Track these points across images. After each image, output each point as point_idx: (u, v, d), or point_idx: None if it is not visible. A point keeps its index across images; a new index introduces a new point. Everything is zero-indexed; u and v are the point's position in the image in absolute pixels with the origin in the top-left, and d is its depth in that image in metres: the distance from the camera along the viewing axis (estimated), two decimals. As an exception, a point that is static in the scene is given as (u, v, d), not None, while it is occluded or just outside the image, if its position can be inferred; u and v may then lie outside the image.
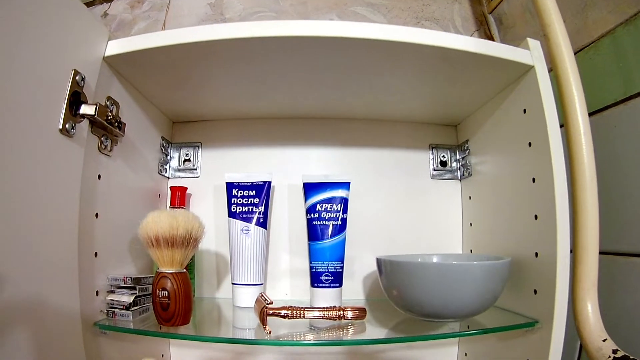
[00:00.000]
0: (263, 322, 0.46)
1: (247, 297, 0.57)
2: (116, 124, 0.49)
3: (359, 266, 0.63)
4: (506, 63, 0.48)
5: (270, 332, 0.45)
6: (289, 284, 0.63)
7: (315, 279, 0.57)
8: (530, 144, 0.49)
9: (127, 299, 0.49)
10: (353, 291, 0.63)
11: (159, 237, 0.45)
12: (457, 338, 0.64)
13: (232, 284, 0.58)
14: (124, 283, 0.49)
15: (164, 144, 0.64)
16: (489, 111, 0.58)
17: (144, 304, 0.51)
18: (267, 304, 0.46)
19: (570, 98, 0.45)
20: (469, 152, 0.64)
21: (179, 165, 0.66)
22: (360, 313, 0.49)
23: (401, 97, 0.59)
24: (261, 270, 0.58)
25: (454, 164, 0.67)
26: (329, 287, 0.57)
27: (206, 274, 0.64)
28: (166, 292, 0.45)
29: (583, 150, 0.43)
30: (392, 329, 0.52)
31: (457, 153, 0.67)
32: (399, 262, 0.48)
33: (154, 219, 0.46)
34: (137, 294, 0.50)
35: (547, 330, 0.45)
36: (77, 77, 0.42)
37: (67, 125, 0.41)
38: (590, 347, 0.41)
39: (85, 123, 0.44)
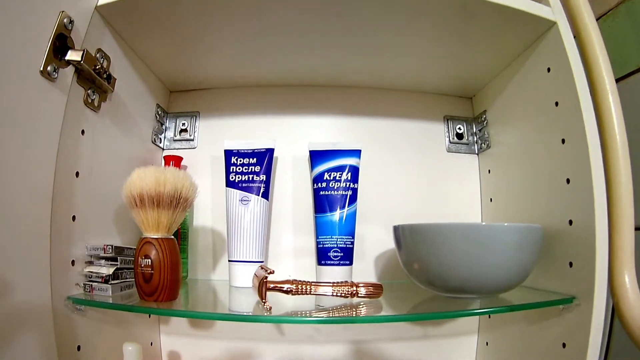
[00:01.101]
0: (262, 296, 0.37)
1: (245, 276, 0.48)
2: (104, 75, 0.42)
3: (370, 245, 0.55)
4: (527, 17, 0.41)
5: (270, 309, 0.36)
6: (293, 263, 0.55)
7: (323, 256, 0.49)
8: (557, 104, 0.42)
9: (107, 270, 0.40)
10: (364, 272, 0.54)
11: (143, 194, 0.37)
12: (477, 326, 0.56)
13: (229, 261, 0.49)
14: (104, 252, 0.41)
15: (160, 112, 0.57)
16: (508, 77, 0.51)
17: (127, 278, 0.43)
18: (268, 273, 0.38)
19: (595, 59, 0.39)
20: (486, 123, 0.57)
21: (175, 136, 0.58)
22: (376, 290, 0.41)
23: (415, 62, 0.52)
24: (261, 246, 0.50)
25: (471, 138, 0.59)
26: (338, 264, 0.48)
27: (201, 254, 0.55)
28: (149, 261, 0.37)
29: (612, 112, 0.37)
30: (412, 309, 0.43)
31: (474, 126, 0.59)
32: (421, 226, 0.40)
33: (139, 175, 0.38)
34: (118, 266, 0.41)
35: (587, 307, 0.37)
36: (65, 20, 0.36)
37: (49, 68, 0.34)
38: (631, 322, 0.33)
39: (70, 71, 0.38)
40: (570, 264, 0.40)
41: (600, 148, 0.38)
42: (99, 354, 0.42)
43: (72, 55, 0.37)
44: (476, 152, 0.59)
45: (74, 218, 0.39)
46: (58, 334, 0.36)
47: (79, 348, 0.39)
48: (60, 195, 0.37)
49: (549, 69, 0.43)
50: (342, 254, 0.48)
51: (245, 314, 0.38)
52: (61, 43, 0.36)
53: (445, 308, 0.41)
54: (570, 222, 0.40)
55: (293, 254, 0.55)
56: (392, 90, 0.59)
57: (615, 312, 0.37)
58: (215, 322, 0.54)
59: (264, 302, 0.37)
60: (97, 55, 0.41)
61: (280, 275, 0.54)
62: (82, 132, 0.40)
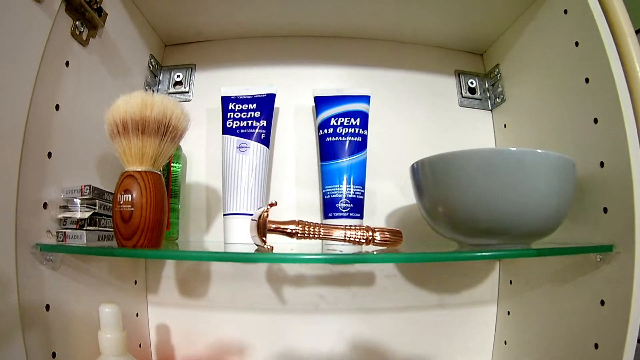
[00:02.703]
0: (261, 234, 0.29)
1: (242, 230, 0.40)
2: (95, 6, 0.35)
3: (381, 201, 0.47)
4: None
5: (271, 249, 0.28)
6: (296, 218, 0.46)
7: (330, 207, 0.41)
8: (577, 44, 0.37)
9: (82, 215, 0.32)
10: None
11: (126, 119, 0.30)
12: (497, 294, 0.48)
13: (224, 215, 0.41)
14: (82, 194, 0.32)
15: (153, 64, 0.49)
16: (521, 27, 0.45)
17: (106, 227, 0.34)
18: (270, 205, 0.30)
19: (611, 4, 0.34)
20: (500, 77, 0.50)
21: (169, 89, 0.51)
22: (393, 236, 0.33)
23: (425, 12, 0.46)
24: (261, 198, 0.41)
25: (483, 94, 0.52)
26: (348, 216, 0.40)
27: (193, 212, 0.47)
28: (129, 197, 0.29)
29: (632, 53, 0.33)
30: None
31: (486, 82, 0.53)
32: (444, 156, 0.32)
33: (124, 98, 0.31)
34: (96, 211, 0.33)
35: (628, 257, 0.30)
36: None
37: None
38: None
39: None
40: (605, 210, 0.33)
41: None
42: (72, 316, 0.33)
43: None
44: (490, 108, 0.52)
45: (49, 155, 0.32)
46: (22, 288, 0.28)
47: (47, 307, 0.31)
48: (35, 128, 0.30)
49: (565, 11, 0.38)
50: (351, 205, 0.41)
51: (241, 252, 0.30)
52: None
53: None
54: (602, 164, 0.33)
55: (296, 208, 0.46)
56: (400, 42, 0.52)
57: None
58: (208, 291, 0.46)
59: (264, 242, 0.29)
60: None
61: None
62: (67, 63, 0.34)
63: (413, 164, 0.35)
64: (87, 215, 0.32)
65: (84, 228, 0.32)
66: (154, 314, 0.46)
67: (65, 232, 0.32)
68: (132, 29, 0.44)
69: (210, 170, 0.48)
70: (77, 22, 0.34)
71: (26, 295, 0.28)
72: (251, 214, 0.40)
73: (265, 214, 0.29)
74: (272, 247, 0.28)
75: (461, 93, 0.52)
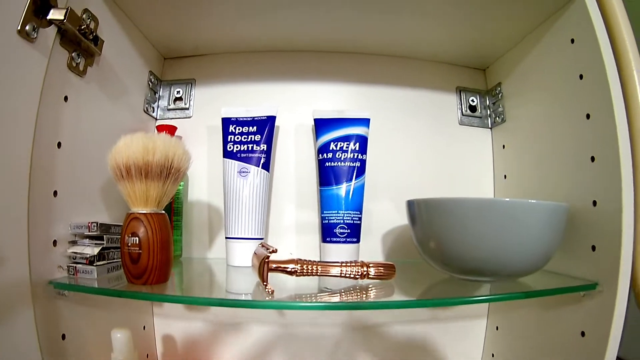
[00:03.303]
0: (263, 277, 0.30)
1: (243, 255, 0.41)
2: (91, 36, 0.34)
3: (378, 220, 0.47)
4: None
5: (272, 292, 0.29)
6: (295, 240, 0.47)
7: (328, 232, 0.41)
8: (581, 77, 0.36)
9: (91, 251, 0.33)
10: (371, 250, 0.47)
11: (129, 164, 0.30)
12: (487, 309, 0.49)
13: (226, 238, 0.42)
14: (89, 231, 0.33)
15: (152, 80, 0.48)
16: (526, 48, 0.44)
17: (114, 258, 0.35)
18: (270, 252, 0.30)
19: (619, 33, 0.34)
20: (501, 96, 0.49)
21: (169, 105, 0.50)
22: (387, 271, 0.34)
23: (428, 28, 0.44)
24: (262, 222, 0.42)
25: (484, 111, 0.51)
26: (345, 242, 0.41)
27: (196, 230, 0.48)
28: (137, 239, 0.30)
29: (638, 88, 0.32)
30: (426, 292, 0.36)
31: (488, 99, 0.52)
32: (439, 201, 0.32)
33: (126, 142, 0.30)
34: (104, 245, 0.34)
35: (610, 294, 0.31)
36: None
37: (27, 27, 0.28)
38: None
39: (52, 31, 0.31)
40: (593, 248, 0.34)
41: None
42: (86, 342, 0.35)
43: (55, 14, 0.30)
44: (489, 126, 0.51)
45: (55, 193, 0.32)
46: (40, 323, 0.29)
47: (63, 337, 0.32)
48: (40, 168, 0.30)
49: (572, 40, 0.37)
50: (348, 230, 0.41)
51: (244, 299, 0.31)
52: (43, 1, 0.30)
53: (458, 292, 0.35)
54: (595, 203, 0.34)
55: (295, 230, 0.47)
56: (403, 57, 0.51)
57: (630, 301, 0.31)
58: (215, 292, 0.47)
59: (265, 285, 0.29)
60: (84, 15, 0.34)
61: (282, 253, 0.47)
62: (65, 98, 0.33)
63: (409, 201, 0.35)
64: (96, 251, 0.33)
65: (94, 264, 0.33)
66: (160, 326, 0.47)
67: (75, 267, 0.33)
68: (129, 48, 0.43)
69: (212, 187, 0.48)
70: (73, 54, 0.34)
71: (43, 328, 0.30)
72: (252, 238, 0.41)
73: (266, 260, 0.30)
74: (273, 291, 0.29)
75: (462, 111, 0.51)
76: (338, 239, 0.41)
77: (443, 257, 0.33)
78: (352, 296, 0.32)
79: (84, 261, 0.33)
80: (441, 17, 0.42)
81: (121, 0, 0.39)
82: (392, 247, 0.47)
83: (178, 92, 0.50)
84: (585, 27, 0.35)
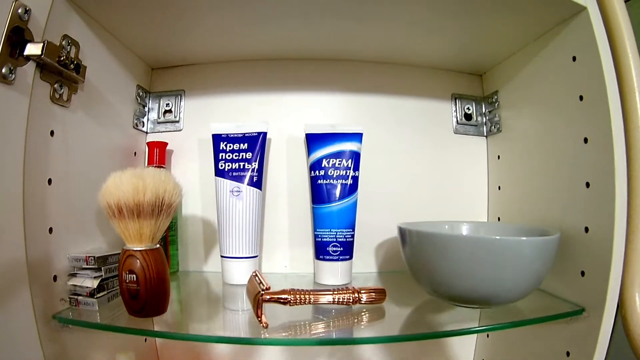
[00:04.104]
0: (258, 312, 0.29)
1: (238, 273, 0.40)
2: (72, 66, 0.32)
3: (371, 232, 0.46)
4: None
5: (267, 326, 0.28)
6: (289, 254, 0.46)
7: (321, 250, 0.41)
8: (581, 98, 0.34)
9: (91, 283, 0.33)
10: (363, 262, 0.46)
11: (121, 205, 0.29)
12: (477, 321, 0.49)
13: (221, 257, 0.41)
14: (87, 264, 0.33)
15: (141, 94, 0.46)
16: (525, 58, 0.42)
17: (114, 287, 0.35)
18: (264, 289, 0.30)
19: (624, 54, 0.32)
20: (498, 105, 0.47)
21: (159, 118, 0.48)
22: (378, 295, 0.34)
23: (422, 33, 0.41)
24: (255, 240, 0.41)
25: (479, 118, 0.49)
26: (338, 259, 0.40)
27: (192, 244, 0.47)
28: (134, 276, 0.29)
29: (638, 113, 0.31)
30: (415, 313, 0.36)
31: (484, 106, 0.49)
32: (430, 234, 0.32)
33: (115, 182, 0.29)
34: (103, 277, 0.34)
35: (595, 320, 0.32)
36: (20, 10, 0.27)
37: (3, 70, 0.27)
38: (637, 339, 0.29)
39: (31, 67, 0.29)
40: (582, 273, 0.34)
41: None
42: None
43: (31, 50, 0.29)
44: (485, 134, 0.49)
45: (50, 230, 0.32)
46: (47, 352, 0.30)
47: None
48: (33, 207, 0.29)
49: (574, 58, 0.35)
50: (341, 248, 0.40)
51: (242, 336, 0.31)
52: (18, 37, 0.28)
53: (447, 315, 0.35)
54: (587, 230, 0.33)
55: (289, 245, 0.46)
56: (397, 64, 0.48)
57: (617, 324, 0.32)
58: (212, 316, 0.47)
59: (260, 319, 0.29)
60: (63, 42, 0.32)
61: (276, 267, 0.47)
62: (52, 133, 0.32)
63: (401, 227, 0.34)
64: (95, 284, 0.33)
65: (95, 296, 0.33)
66: (161, 341, 0.48)
67: (77, 299, 0.33)
68: (115, 65, 0.41)
69: (205, 201, 0.47)
70: (55, 85, 0.32)
71: (51, 358, 0.30)
72: (247, 257, 0.40)
73: (260, 297, 0.29)
74: (267, 324, 0.29)
75: (457, 119, 0.49)
76: (331, 257, 0.40)
77: (432, 283, 0.33)
78: (344, 322, 0.32)
79: (85, 293, 0.33)
80: (434, 24, 0.40)
81: (103, 16, 0.37)
82: (385, 257, 0.47)
83: (167, 104, 0.48)
84: (588, 46, 0.33)
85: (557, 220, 0.37)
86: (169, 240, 0.44)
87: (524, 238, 0.29)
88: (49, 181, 0.32)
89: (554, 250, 0.31)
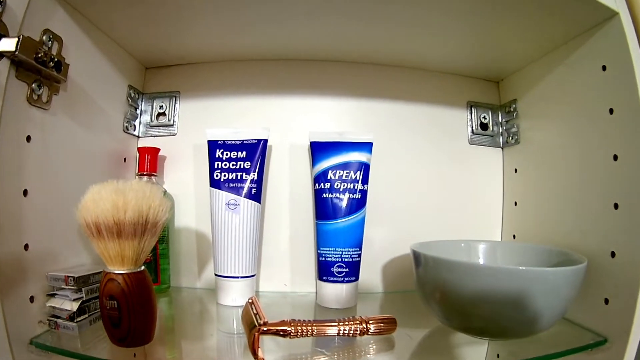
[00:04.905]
0: (254, 349, 0.25)
1: (234, 295, 0.36)
2: (51, 64, 0.28)
3: (379, 249, 0.42)
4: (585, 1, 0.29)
5: None
6: (289, 273, 0.42)
7: (324, 271, 0.37)
8: (611, 111, 0.30)
9: (70, 306, 0.29)
10: (371, 281, 0.42)
11: (99, 224, 0.25)
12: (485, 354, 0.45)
13: (215, 275, 0.37)
14: (66, 284, 0.29)
15: (132, 95, 0.42)
16: (548, 66, 0.38)
17: (96, 309, 0.31)
18: (260, 324, 0.25)
19: None
20: (516, 115, 0.43)
21: (152, 121, 0.44)
22: (387, 326, 0.29)
23: (436, 36, 0.37)
24: (253, 258, 0.37)
25: (496, 128, 0.45)
26: (343, 281, 0.36)
27: (184, 259, 0.43)
28: (115, 303, 0.25)
29: None
30: (424, 345, 0.32)
31: (500, 115, 0.45)
32: (448, 262, 0.28)
33: (93, 198, 0.25)
34: (84, 298, 0.30)
35: (618, 350, 0.28)
36: None
37: None
38: None
39: (4, 64, 0.26)
40: (606, 301, 0.30)
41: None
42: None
43: (4, 45, 0.25)
44: (501, 145, 0.45)
45: (26, 247, 0.28)
46: None
47: None
48: (5, 222, 0.26)
49: (604, 67, 0.31)
50: (347, 269, 0.36)
51: None
52: None
53: (459, 346, 0.31)
54: (613, 254, 0.30)
55: (290, 263, 0.42)
56: (408, 68, 0.44)
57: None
58: (206, 348, 0.43)
59: (256, 356, 0.25)
60: (44, 37, 0.28)
61: (275, 285, 0.43)
62: (28, 138, 0.28)
63: (415, 251, 0.30)
64: (75, 307, 0.29)
65: (75, 320, 0.29)
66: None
67: (57, 322, 0.29)
68: (103, 63, 0.37)
69: (200, 212, 0.42)
70: (33, 85, 0.28)
71: None
72: (243, 277, 0.36)
73: (256, 333, 0.25)
74: None
75: (472, 129, 0.45)
76: (336, 279, 0.36)
77: (445, 312, 0.29)
78: (348, 357, 0.28)
79: (64, 316, 0.29)
80: (450, 27, 0.36)
81: (90, 11, 0.32)
82: (394, 276, 0.43)
83: (161, 106, 0.43)
84: (620, 54, 0.29)
85: (580, 242, 0.33)
86: (159, 254, 0.40)
87: (549, 269, 0.26)
88: (25, 192, 0.28)
89: (580, 279, 0.27)
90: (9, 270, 0.26)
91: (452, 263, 0.27)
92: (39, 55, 0.27)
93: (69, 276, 0.29)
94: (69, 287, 0.29)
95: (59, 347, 0.27)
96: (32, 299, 0.28)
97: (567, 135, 0.36)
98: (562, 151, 0.36)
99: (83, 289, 0.30)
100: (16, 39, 0.25)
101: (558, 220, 0.36)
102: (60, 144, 0.31)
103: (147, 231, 0.26)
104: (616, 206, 0.30)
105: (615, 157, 0.30)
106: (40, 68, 0.27)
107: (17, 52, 0.25)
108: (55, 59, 0.29)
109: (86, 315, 0.30)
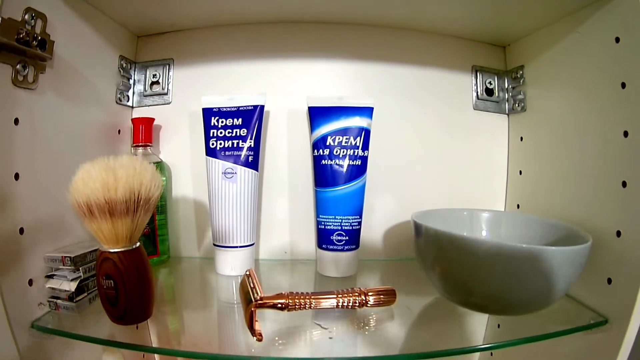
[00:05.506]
0: (251, 324, 0.24)
1: (233, 264, 0.35)
2: (35, 43, 0.26)
3: (379, 215, 0.41)
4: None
5: (261, 339, 0.23)
6: (289, 241, 0.41)
7: (324, 239, 0.35)
8: (623, 85, 0.28)
9: (69, 286, 0.28)
10: (369, 249, 0.41)
11: (90, 203, 0.23)
12: (483, 335, 0.44)
13: (214, 245, 0.36)
14: (63, 264, 0.28)
15: (124, 65, 0.40)
16: (558, 33, 0.35)
17: (95, 287, 0.31)
18: (257, 300, 0.24)
19: None
20: (523, 82, 0.40)
21: (145, 90, 0.42)
22: (387, 297, 0.29)
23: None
24: (251, 227, 0.36)
25: (501, 94, 0.43)
26: (343, 249, 0.35)
27: (183, 228, 0.42)
28: (111, 282, 0.25)
29: None
30: (424, 317, 0.31)
31: (506, 81, 0.43)
32: (450, 236, 0.26)
33: (83, 178, 0.24)
34: (81, 277, 0.29)
35: (619, 330, 0.27)
36: None
37: None
38: None
39: None
40: (609, 281, 0.29)
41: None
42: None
43: None
44: (506, 112, 0.43)
45: (21, 231, 0.27)
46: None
47: None
48: None
49: (617, 39, 0.29)
50: (347, 237, 0.35)
51: (239, 354, 0.25)
52: None
53: (459, 318, 0.30)
54: (618, 234, 0.28)
55: (289, 232, 0.41)
56: (411, 30, 0.41)
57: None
58: (207, 306, 0.42)
59: (255, 332, 0.24)
60: (26, 16, 0.26)
61: (274, 252, 0.42)
62: (16, 121, 0.27)
63: (416, 221, 0.29)
64: (73, 287, 0.29)
65: (74, 300, 0.29)
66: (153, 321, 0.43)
67: (56, 302, 0.29)
68: (91, 36, 0.35)
69: (196, 182, 0.41)
70: (17, 66, 0.26)
71: None
72: (241, 246, 0.35)
73: (252, 309, 0.24)
74: (261, 337, 0.23)
75: (477, 94, 0.42)
76: (335, 247, 0.35)
77: (446, 287, 0.28)
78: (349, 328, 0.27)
79: (64, 296, 0.29)
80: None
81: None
82: (394, 244, 0.41)
83: (154, 75, 0.41)
84: (635, 27, 0.27)
85: (585, 218, 0.31)
86: (157, 225, 0.39)
87: (554, 248, 0.24)
88: (16, 176, 0.26)
89: (584, 258, 0.26)
90: (6, 256, 0.25)
91: (453, 237, 0.26)
92: (21, 35, 0.25)
93: (65, 256, 0.29)
94: (67, 267, 0.29)
95: (60, 328, 0.27)
96: (30, 282, 0.28)
97: (575, 107, 0.33)
98: (570, 123, 0.34)
99: (81, 268, 0.29)
100: (-5, 22, 0.23)
101: (563, 193, 0.34)
102: (50, 123, 0.30)
103: (140, 208, 0.25)
104: (624, 184, 0.28)
105: (626, 134, 0.28)
106: (24, 48, 0.26)
107: (-5, 36, 0.23)
108: (39, 37, 0.27)
109: (85, 294, 0.30)
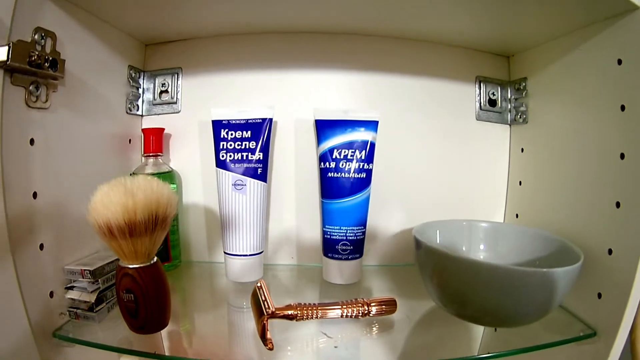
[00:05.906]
0: (263, 334, 0.26)
1: (243, 271, 0.37)
2: (47, 64, 0.27)
3: (382, 224, 0.42)
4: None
5: (272, 348, 0.25)
6: (296, 248, 0.42)
7: (329, 248, 0.37)
8: (623, 108, 0.29)
9: (89, 297, 0.30)
10: (374, 255, 0.42)
11: (111, 225, 0.24)
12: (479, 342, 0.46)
13: (225, 253, 0.37)
14: (83, 277, 0.30)
15: (133, 74, 0.40)
16: (562, 48, 0.35)
17: (113, 296, 0.32)
18: (268, 312, 0.26)
19: None
20: (526, 94, 0.41)
21: (155, 99, 0.42)
22: (388, 307, 0.30)
23: (446, 8, 0.34)
24: (261, 237, 0.37)
25: (504, 104, 0.43)
26: (347, 258, 0.36)
27: (193, 235, 0.43)
28: (132, 296, 0.26)
29: None
30: (424, 325, 0.32)
31: (509, 91, 0.43)
32: (449, 256, 0.28)
33: (102, 201, 0.25)
34: (100, 288, 0.30)
35: (606, 344, 0.29)
36: None
37: None
38: None
39: None
40: (599, 295, 0.30)
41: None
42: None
43: None
44: (508, 122, 0.43)
45: (41, 247, 0.28)
46: None
47: None
48: (18, 225, 0.26)
49: (619, 61, 0.29)
50: (351, 247, 0.36)
51: None
52: None
53: (456, 327, 0.31)
54: (610, 251, 0.29)
55: (296, 239, 0.42)
56: (415, 41, 0.41)
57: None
58: (218, 310, 0.44)
59: (265, 341, 0.25)
60: (36, 36, 0.27)
61: (282, 258, 0.43)
62: (31, 141, 0.27)
63: (416, 237, 0.30)
64: (93, 298, 0.30)
65: (94, 310, 0.30)
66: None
67: (76, 312, 0.30)
68: (100, 49, 0.35)
69: (207, 191, 0.42)
70: (30, 88, 0.27)
71: None
72: (251, 254, 0.36)
73: (264, 321, 0.25)
74: (273, 347, 0.25)
75: (480, 104, 0.43)
76: (340, 256, 0.36)
77: (442, 296, 0.30)
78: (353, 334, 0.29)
79: (84, 307, 0.30)
80: (466, 3, 0.33)
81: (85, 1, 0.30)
82: (396, 251, 0.43)
83: (163, 84, 0.42)
84: (637, 51, 0.28)
85: (579, 234, 0.32)
86: (169, 232, 0.40)
87: (545, 270, 0.25)
88: (34, 195, 0.27)
89: (576, 276, 0.27)
90: (27, 270, 0.26)
91: (451, 257, 0.27)
92: (33, 58, 0.26)
93: (85, 269, 0.30)
94: (86, 279, 0.30)
95: (80, 337, 0.28)
96: (51, 294, 0.29)
97: (575, 124, 0.34)
98: (569, 139, 0.35)
99: (99, 280, 0.30)
100: (7, 48, 0.24)
101: (560, 207, 0.35)
102: (64, 139, 0.30)
103: (158, 227, 0.26)
104: (618, 205, 0.29)
105: (622, 156, 0.29)
106: (36, 71, 0.26)
107: (9, 62, 0.24)
108: (50, 58, 0.27)
109: (104, 304, 0.31)
